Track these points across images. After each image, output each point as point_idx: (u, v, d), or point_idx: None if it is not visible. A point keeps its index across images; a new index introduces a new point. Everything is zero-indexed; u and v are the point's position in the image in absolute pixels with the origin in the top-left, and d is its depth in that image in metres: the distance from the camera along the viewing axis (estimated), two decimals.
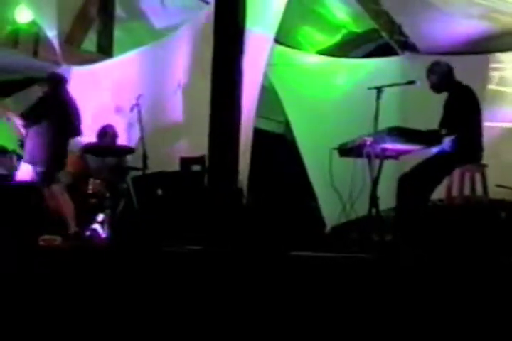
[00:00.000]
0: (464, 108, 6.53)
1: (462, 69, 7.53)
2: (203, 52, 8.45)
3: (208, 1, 8.98)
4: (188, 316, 4.62)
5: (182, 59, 9.27)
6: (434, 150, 6.45)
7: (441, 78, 6.72)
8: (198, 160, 7.84)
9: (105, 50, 10.76)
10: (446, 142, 6.36)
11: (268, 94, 9.69)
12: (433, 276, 4.40)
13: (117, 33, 10.90)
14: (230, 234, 5.96)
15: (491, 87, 9.55)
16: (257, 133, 8.78)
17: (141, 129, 8.11)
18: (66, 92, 8.02)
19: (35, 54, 10.15)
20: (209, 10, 7.91)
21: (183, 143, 9.06)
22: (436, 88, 6.78)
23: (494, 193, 7.04)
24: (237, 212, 6.43)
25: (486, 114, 8.76)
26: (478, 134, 6.64)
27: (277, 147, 10.98)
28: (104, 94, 9.98)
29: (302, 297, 4.55)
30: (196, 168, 7.93)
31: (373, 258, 5.06)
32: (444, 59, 7.22)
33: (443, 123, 6.44)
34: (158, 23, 10.54)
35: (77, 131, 7.99)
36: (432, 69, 6.78)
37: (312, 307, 4.49)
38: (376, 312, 4.33)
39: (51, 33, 9.95)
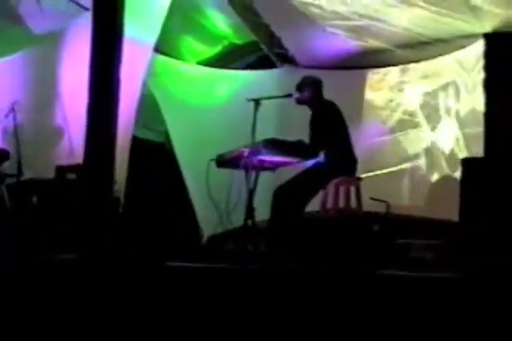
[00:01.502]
0: (329, 124, 6.61)
1: (339, 84, 7.67)
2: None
3: (87, 7, 8.86)
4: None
5: (62, 65, 9.15)
6: (309, 163, 6.54)
7: (312, 93, 6.79)
8: (74, 168, 7.73)
9: None
10: (322, 155, 6.46)
11: (148, 103, 9.63)
12: (306, 286, 4.45)
13: None
14: (105, 242, 5.89)
15: (367, 101, 9.77)
16: (136, 142, 8.71)
17: (16, 136, 8.00)
18: None
19: None
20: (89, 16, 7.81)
21: (62, 150, 8.92)
22: (302, 102, 6.83)
23: (368, 206, 7.19)
24: (112, 222, 6.36)
25: (360, 127, 9.02)
26: (349, 148, 6.76)
27: (156, 156, 10.88)
28: None
29: (178, 307, 4.55)
30: (72, 176, 7.81)
31: (247, 269, 5.08)
32: (320, 73, 7.34)
33: (311, 140, 6.53)
34: (36, 27, 10.32)
35: None
36: (302, 84, 6.84)
37: (189, 316, 4.49)
38: (251, 322, 4.36)
39: None
